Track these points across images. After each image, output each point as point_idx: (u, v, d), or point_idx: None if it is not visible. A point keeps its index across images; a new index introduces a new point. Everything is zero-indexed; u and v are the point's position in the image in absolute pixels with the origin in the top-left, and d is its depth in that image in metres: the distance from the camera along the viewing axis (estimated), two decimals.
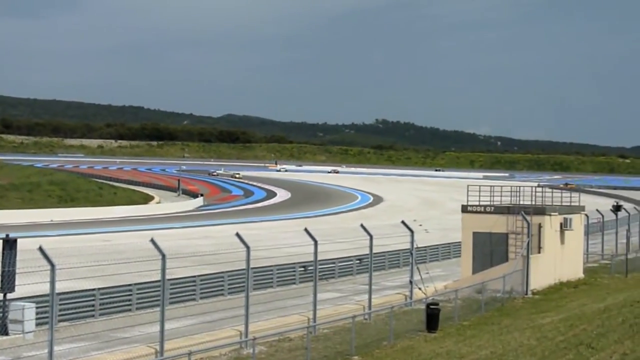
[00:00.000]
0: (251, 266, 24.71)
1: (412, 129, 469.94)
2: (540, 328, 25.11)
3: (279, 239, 46.60)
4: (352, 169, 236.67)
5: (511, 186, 42.13)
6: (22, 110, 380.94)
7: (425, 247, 46.48)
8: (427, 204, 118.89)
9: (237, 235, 24.22)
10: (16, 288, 23.24)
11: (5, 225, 64.15)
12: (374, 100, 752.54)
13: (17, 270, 22.86)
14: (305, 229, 27.05)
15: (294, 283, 37.17)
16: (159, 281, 21.70)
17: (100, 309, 28.09)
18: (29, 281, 19.08)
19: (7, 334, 23.43)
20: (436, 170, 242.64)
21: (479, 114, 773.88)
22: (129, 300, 29.36)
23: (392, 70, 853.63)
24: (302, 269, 36.96)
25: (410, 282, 33.17)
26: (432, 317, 27.48)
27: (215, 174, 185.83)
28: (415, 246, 33.29)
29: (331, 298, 32.63)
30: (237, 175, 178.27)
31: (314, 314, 26.99)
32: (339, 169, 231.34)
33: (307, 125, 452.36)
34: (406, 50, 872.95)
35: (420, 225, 59.94)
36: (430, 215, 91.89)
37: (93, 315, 27.74)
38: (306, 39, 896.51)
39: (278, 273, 37.08)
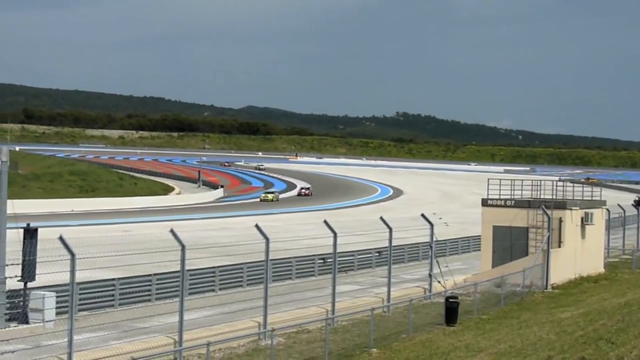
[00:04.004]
0: (270, 258, 24.75)
1: (432, 122, 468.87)
2: (560, 322, 25.00)
3: (298, 230, 46.55)
4: (373, 162, 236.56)
5: (532, 180, 41.88)
6: (44, 100, 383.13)
7: (444, 240, 46.31)
8: (447, 197, 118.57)
9: (257, 226, 24.24)
10: (37, 277, 23.35)
11: (26, 215, 64.26)
12: (394, 93, 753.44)
13: (37, 260, 23.02)
14: (325, 221, 27.05)
15: (313, 275, 37.15)
16: (178, 272, 21.73)
17: (120, 299, 28.19)
18: (50, 270, 19.18)
19: (27, 322, 23.54)
20: None
21: (500, 108, 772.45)
22: (149, 290, 29.42)
23: (413, 63, 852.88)
24: (322, 261, 36.91)
25: (430, 275, 33.10)
26: (451, 310, 27.42)
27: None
28: (434, 239, 33.19)
29: (350, 290, 32.58)
30: None
31: (333, 306, 26.98)
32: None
33: (328, 118, 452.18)
34: (427, 43, 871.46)
35: (440, 218, 59.73)
36: (450, 209, 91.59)
37: (112, 305, 27.82)
38: (327, 32, 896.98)
39: (297, 265, 37.07)
